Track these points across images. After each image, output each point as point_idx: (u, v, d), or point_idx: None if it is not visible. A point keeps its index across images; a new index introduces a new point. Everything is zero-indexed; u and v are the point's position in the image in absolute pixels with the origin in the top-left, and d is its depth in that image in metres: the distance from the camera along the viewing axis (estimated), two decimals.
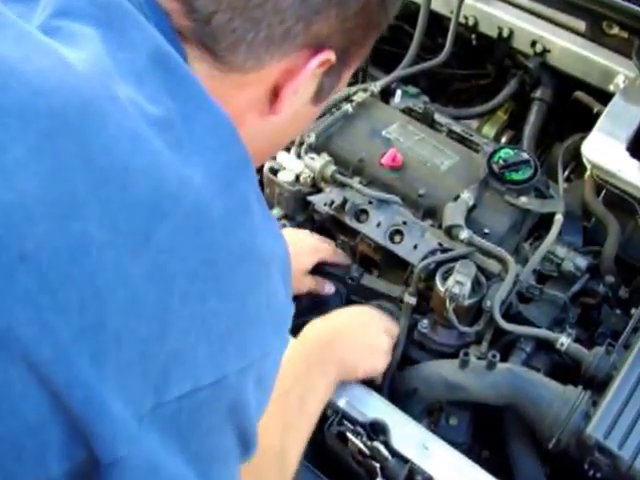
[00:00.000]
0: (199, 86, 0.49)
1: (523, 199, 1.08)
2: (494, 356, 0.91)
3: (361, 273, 1.08)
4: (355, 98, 1.19)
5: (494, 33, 1.30)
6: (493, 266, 1.00)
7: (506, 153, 1.11)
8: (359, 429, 0.89)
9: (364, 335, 0.98)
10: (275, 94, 0.56)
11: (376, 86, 1.23)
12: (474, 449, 0.99)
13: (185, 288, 0.43)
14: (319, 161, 1.10)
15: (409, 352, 1.03)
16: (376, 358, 0.97)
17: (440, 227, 1.05)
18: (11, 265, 0.39)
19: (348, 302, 1.09)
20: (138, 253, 0.41)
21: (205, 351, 0.44)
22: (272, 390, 0.53)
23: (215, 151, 0.47)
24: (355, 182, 1.08)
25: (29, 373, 0.39)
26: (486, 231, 1.05)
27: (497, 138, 1.34)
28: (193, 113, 0.47)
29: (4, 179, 0.39)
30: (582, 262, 1.05)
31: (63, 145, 0.41)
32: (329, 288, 1.08)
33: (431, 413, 0.99)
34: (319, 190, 1.12)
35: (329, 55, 0.55)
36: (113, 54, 0.47)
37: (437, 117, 1.23)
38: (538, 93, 1.30)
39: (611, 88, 1.20)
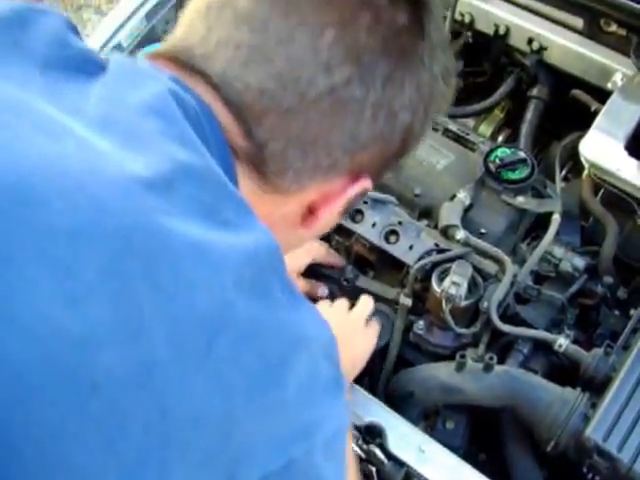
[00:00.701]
0: (248, 205, 0.50)
1: (520, 199, 1.07)
2: (491, 358, 0.91)
3: (356, 275, 1.07)
4: None
5: (490, 30, 1.29)
6: (490, 267, 1.00)
7: (503, 152, 1.11)
8: (355, 432, 0.88)
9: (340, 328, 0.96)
10: (310, 211, 0.60)
11: None
12: (471, 452, 0.99)
13: (246, 391, 0.44)
14: None
15: (405, 354, 1.02)
16: (360, 341, 0.96)
17: (436, 227, 1.05)
18: (83, 395, 0.38)
19: None
20: (201, 367, 0.42)
21: (268, 440, 0.45)
22: (344, 454, 0.53)
23: None
24: None
25: None
26: (483, 231, 1.05)
27: (494, 137, 1.33)
28: (241, 226, 0.48)
29: (75, 308, 0.39)
30: (580, 262, 1.05)
31: (130, 266, 0.41)
32: (322, 291, 1.07)
33: (428, 416, 0.99)
34: None
35: (367, 183, 0.60)
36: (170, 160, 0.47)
37: None
38: (535, 91, 1.30)
39: (609, 86, 1.19)
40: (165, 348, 0.40)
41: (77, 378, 0.38)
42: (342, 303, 1.00)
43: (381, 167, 0.61)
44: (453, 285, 0.93)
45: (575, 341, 0.97)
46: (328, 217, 0.61)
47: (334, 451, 0.51)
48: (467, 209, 1.06)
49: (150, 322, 0.40)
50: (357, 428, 0.89)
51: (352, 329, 0.97)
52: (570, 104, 1.24)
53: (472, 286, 0.97)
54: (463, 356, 0.92)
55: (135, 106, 0.49)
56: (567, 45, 1.24)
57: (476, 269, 0.98)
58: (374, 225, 1.04)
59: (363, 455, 0.87)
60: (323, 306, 1.00)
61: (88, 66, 0.53)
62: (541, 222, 1.09)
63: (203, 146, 0.50)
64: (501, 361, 0.95)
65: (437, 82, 0.59)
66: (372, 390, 0.98)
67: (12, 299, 0.38)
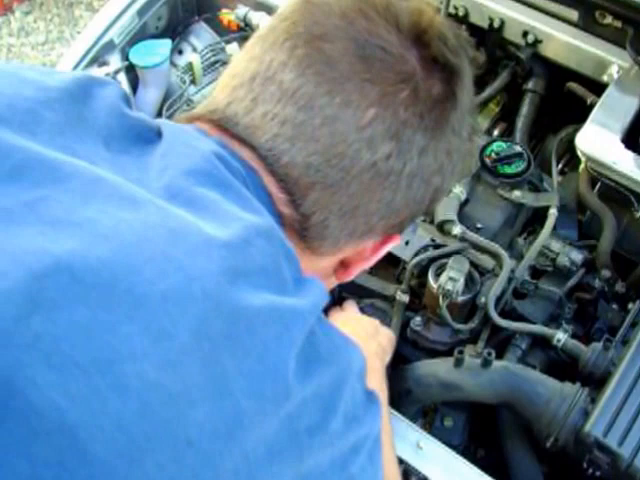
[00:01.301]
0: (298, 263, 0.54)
1: (516, 193, 1.07)
2: (489, 354, 0.90)
3: None
4: None
5: (485, 24, 1.28)
6: (487, 262, 1.00)
7: (498, 146, 1.10)
8: None
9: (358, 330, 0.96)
10: (343, 264, 0.64)
11: None
12: (469, 448, 0.98)
13: (311, 428, 0.49)
14: None
15: (402, 350, 1.01)
16: (375, 339, 0.96)
17: (432, 222, 1.04)
18: (180, 451, 0.41)
19: (340, 299, 1.07)
20: (277, 410, 0.47)
21: (331, 464, 0.51)
22: (381, 452, 0.59)
23: None
24: None
25: None
26: (479, 226, 1.05)
27: (489, 131, 1.32)
28: (301, 289, 0.52)
29: (173, 369, 0.42)
30: (577, 256, 1.04)
31: (215, 328, 0.45)
32: None
33: (426, 414, 0.98)
34: None
35: (397, 239, 0.65)
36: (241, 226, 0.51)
37: None
38: (530, 84, 1.29)
39: (605, 78, 1.18)
40: (247, 400, 0.45)
41: (175, 432, 0.42)
42: (351, 304, 1.01)
43: (409, 222, 0.65)
44: (450, 281, 0.93)
45: (573, 336, 0.96)
46: (359, 270, 0.66)
47: (377, 454, 0.57)
48: (463, 204, 1.06)
49: (233, 377, 0.45)
50: None
51: (372, 325, 0.96)
52: (566, 97, 1.23)
53: (469, 281, 0.96)
54: (461, 352, 0.92)
55: (189, 173, 0.52)
56: (562, 38, 1.23)
57: (473, 264, 0.98)
58: None
59: None
60: (338, 315, 1.00)
61: (144, 134, 0.57)
62: (538, 216, 1.09)
63: (260, 205, 0.53)
64: (499, 357, 0.94)
65: (465, 144, 0.62)
66: None
67: (119, 361, 0.41)
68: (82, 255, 0.44)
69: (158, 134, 0.57)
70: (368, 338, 0.92)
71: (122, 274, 0.44)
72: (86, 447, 0.39)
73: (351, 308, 1.02)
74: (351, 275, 0.66)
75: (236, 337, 0.45)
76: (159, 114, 1.27)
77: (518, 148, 1.10)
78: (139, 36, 1.28)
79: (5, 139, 0.49)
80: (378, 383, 0.88)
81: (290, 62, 0.56)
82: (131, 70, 1.26)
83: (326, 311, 1.02)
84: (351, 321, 0.97)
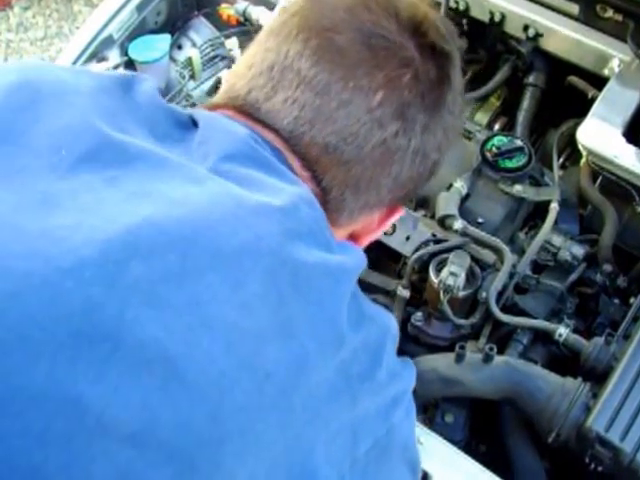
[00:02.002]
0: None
1: (517, 187, 1.07)
2: (491, 349, 0.90)
3: None
4: None
5: (485, 18, 1.27)
6: (488, 256, 0.99)
7: (499, 140, 1.10)
8: None
9: None
10: (352, 237, 0.69)
11: None
12: (470, 444, 0.98)
13: (361, 374, 0.55)
14: None
15: (403, 346, 1.01)
16: None
17: (433, 217, 1.04)
18: (260, 382, 0.47)
19: None
20: (335, 354, 0.53)
21: (376, 412, 0.57)
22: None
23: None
24: None
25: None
26: (480, 221, 1.04)
27: (490, 125, 1.31)
28: (340, 249, 0.58)
29: (249, 312, 0.48)
30: (579, 251, 1.04)
31: (281, 279, 0.51)
32: None
33: (426, 410, 0.98)
34: None
35: (401, 211, 0.71)
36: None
37: None
38: (531, 78, 1.28)
39: (606, 72, 1.17)
40: (311, 342, 0.50)
41: (254, 366, 0.47)
42: None
43: (411, 196, 0.71)
44: (451, 276, 0.93)
45: (575, 330, 0.96)
46: (368, 241, 0.71)
47: (412, 409, 0.63)
48: (464, 198, 1.06)
49: (298, 321, 0.50)
50: None
51: None
52: (567, 91, 1.23)
53: (470, 276, 0.96)
54: (462, 347, 0.91)
55: (233, 155, 0.57)
56: (563, 32, 1.22)
57: (474, 259, 0.97)
58: None
59: None
60: None
61: (182, 121, 0.62)
62: (539, 210, 1.08)
63: (297, 179, 0.59)
64: (500, 352, 0.94)
65: (457, 121, 0.69)
66: None
67: (205, 304, 0.47)
68: (165, 214, 0.49)
69: (193, 121, 0.62)
70: None
71: (201, 230, 0.49)
72: (185, 375, 0.44)
73: None
74: (361, 246, 0.70)
75: (298, 287, 0.51)
76: None
77: (519, 142, 1.10)
78: (138, 31, 1.27)
79: (78, 121, 0.55)
80: None
81: (305, 52, 0.61)
82: (130, 65, 1.25)
83: None
84: None
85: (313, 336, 0.51)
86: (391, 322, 0.62)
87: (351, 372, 0.54)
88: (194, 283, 0.47)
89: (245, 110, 0.62)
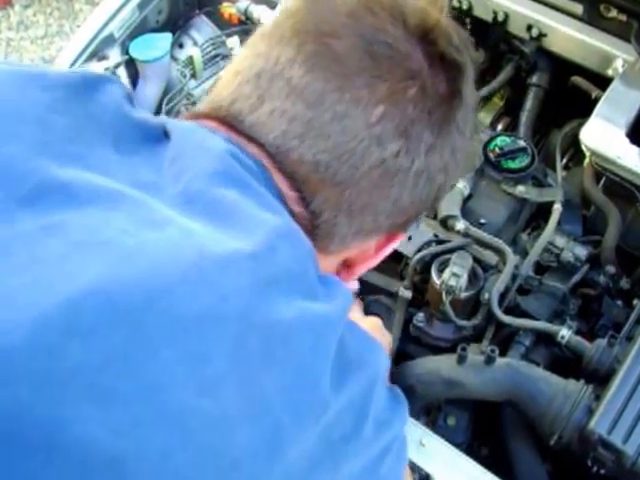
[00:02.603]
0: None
1: (520, 188, 1.06)
2: (493, 351, 0.89)
3: None
4: None
5: (489, 17, 1.27)
6: (490, 257, 0.99)
7: (502, 141, 1.10)
8: None
9: None
10: (346, 264, 0.63)
11: None
12: (472, 446, 0.98)
13: (345, 436, 0.50)
14: None
15: (405, 347, 1.01)
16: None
17: (435, 218, 1.03)
18: (225, 472, 0.41)
19: None
20: (316, 423, 0.47)
21: (363, 466, 0.52)
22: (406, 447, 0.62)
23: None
24: None
25: None
26: (482, 221, 1.04)
27: (493, 125, 1.31)
28: (327, 293, 0.52)
29: (212, 395, 0.42)
30: (582, 252, 1.03)
31: (251, 346, 0.44)
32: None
33: (428, 412, 0.97)
34: None
35: (401, 237, 0.65)
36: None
37: None
38: (534, 79, 1.27)
39: (610, 72, 1.17)
40: (287, 415, 0.44)
41: (219, 457, 0.41)
42: (356, 303, 1.01)
43: (413, 221, 0.64)
44: (453, 276, 0.92)
45: (577, 332, 0.95)
46: (363, 271, 0.65)
47: (403, 452, 0.59)
48: (466, 199, 1.05)
49: (271, 396, 0.44)
50: None
51: (376, 325, 0.95)
52: (570, 91, 1.22)
53: (472, 277, 0.96)
54: (464, 349, 0.91)
55: (207, 175, 0.51)
56: (567, 31, 1.21)
57: (476, 260, 0.97)
58: None
59: None
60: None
61: (152, 133, 0.55)
62: (542, 212, 1.08)
63: (275, 200, 0.53)
64: (502, 353, 0.94)
65: (468, 142, 0.62)
66: None
67: (160, 390, 0.40)
68: (113, 276, 0.42)
69: (165, 133, 0.56)
70: None
71: (156, 295, 0.42)
72: (136, 478, 0.39)
73: (356, 307, 1.01)
74: (354, 275, 0.65)
75: (272, 353, 0.45)
76: (159, 108, 1.26)
77: (522, 143, 1.09)
78: (139, 30, 1.27)
79: (20, 159, 0.48)
80: None
81: (298, 58, 0.55)
82: (131, 64, 1.25)
83: None
84: (355, 321, 0.96)
85: (290, 408, 0.45)
86: (380, 357, 0.56)
87: (334, 437, 0.48)
88: (146, 365, 0.40)
89: (228, 122, 0.57)
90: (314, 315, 0.48)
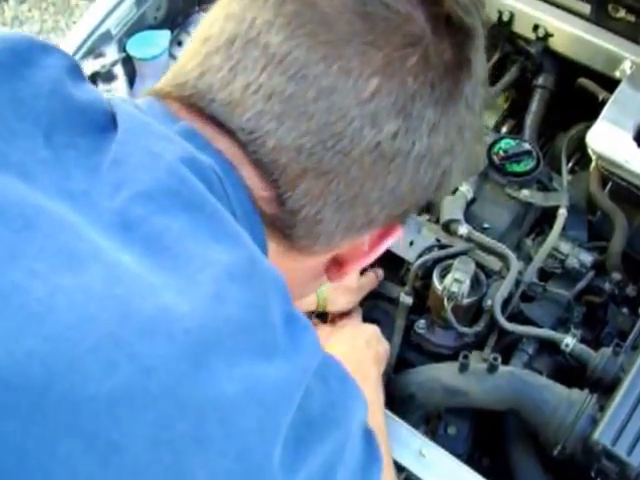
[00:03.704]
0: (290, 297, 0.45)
1: (525, 192, 1.05)
2: (495, 359, 0.88)
3: None
4: None
5: (494, 17, 1.25)
6: (493, 263, 0.98)
7: (507, 144, 1.08)
8: None
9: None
10: (337, 261, 0.56)
11: None
12: (473, 456, 0.97)
13: None
14: None
15: (405, 354, 1.00)
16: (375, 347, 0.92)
17: (437, 222, 1.03)
18: None
19: None
20: None
21: None
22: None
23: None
24: None
25: None
26: (486, 226, 1.03)
27: (497, 128, 1.30)
28: (290, 347, 0.44)
29: None
30: (587, 258, 1.02)
31: (179, 430, 0.36)
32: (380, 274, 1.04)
33: (429, 421, 0.96)
34: None
35: (398, 231, 0.56)
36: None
37: None
38: (540, 80, 1.26)
39: (617, 74, 1.15)
40: None
41: None
42: (356, 310, 0.99)
43: (412, 212, 0.56)
44: (455, 282, 0.91)
45: (582, 340, 0.94)
46: (356, 269, 0.58)
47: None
48: (470, 203, 1.04)
49: (194, 471, 0.37)
50: None
51: (374, 333, 0.93)
52: (577, 93, 1.20)
53: (475, 283, 0.94)
54: (466, 356, 0.90)
55: (150, 196, 0.43)
56: (574, 32, 1.20)
57: (479, 265, 0.96)
58: None
59: None
60: (342, 322, 0.98)
61: (96, 119, 0.47)
62: (547, 216, 1.07)
63: (236, 225, 0.45)
64: (505, 361, 0.93)
65: (477, 120, 0.54)
66: None
67: None
68: (7, 348, 0.34)
69: (113, 120, 0.47)
70: (368, 346, 0.90)
71: (58, 371, 0.35)
72: None
73: (355, 314, 1.00)
74: (346, 275, 0.57)
75: (207, 436, 0.37)
76: None
77: (527, 146, 1.08)
78: (137, 27, 1.25)
79: None
80: (373, 391, 0.85)
81: (277, 21, 0.46)
82: (128, 62, 1.23)
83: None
84: (354, 328, 0.96)
85: None
86: (356, 412, 0.48)
87: None
88: (43, 460, 0.34)
89: (194, 102, 0.48)
90: (264, 384, 0.40)
